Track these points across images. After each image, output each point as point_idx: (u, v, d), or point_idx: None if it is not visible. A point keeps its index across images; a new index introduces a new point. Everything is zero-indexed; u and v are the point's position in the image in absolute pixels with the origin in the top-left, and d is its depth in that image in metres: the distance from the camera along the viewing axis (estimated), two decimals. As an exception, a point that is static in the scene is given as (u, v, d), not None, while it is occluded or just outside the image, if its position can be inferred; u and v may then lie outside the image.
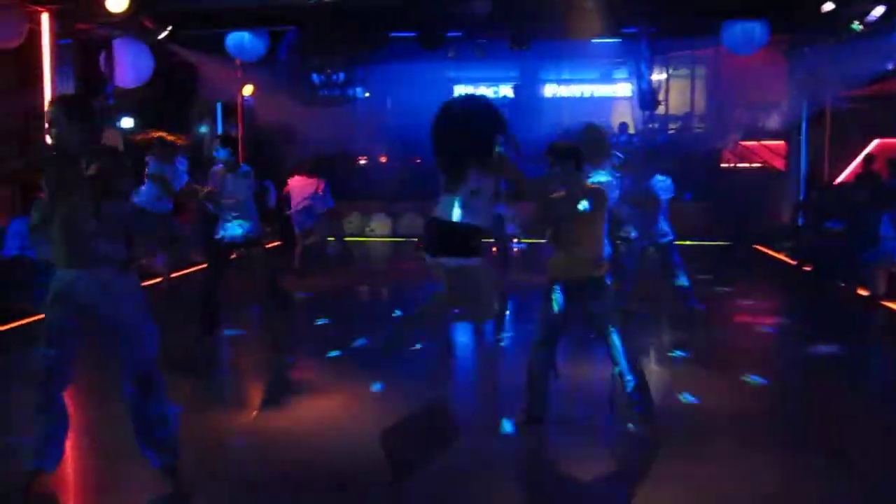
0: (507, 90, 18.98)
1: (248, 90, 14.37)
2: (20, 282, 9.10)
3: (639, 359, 5.37)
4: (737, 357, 7.31)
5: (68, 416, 4.34)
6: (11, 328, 8.41)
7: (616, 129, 16.50)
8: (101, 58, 11.20)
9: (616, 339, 5.21)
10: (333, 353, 7.26)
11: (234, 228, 7.55)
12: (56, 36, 10.48)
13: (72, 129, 4.17)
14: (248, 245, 7.59)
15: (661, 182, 8.38)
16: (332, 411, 5.85)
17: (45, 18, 10.29)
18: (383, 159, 16.87)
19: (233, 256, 7.80)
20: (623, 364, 5.23)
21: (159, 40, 11.53)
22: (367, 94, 13.13)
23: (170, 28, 11.40)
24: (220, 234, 7.62)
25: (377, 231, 16.33)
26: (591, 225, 5.16)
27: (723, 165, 16.48)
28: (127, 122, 14.18)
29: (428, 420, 5.75)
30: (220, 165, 7.68)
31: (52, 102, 4.37)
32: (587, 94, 19.55)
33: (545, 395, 5.36)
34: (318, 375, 6.74)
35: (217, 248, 7.72)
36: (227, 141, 7.79)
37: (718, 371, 6.80)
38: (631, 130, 16.92)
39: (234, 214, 7.56)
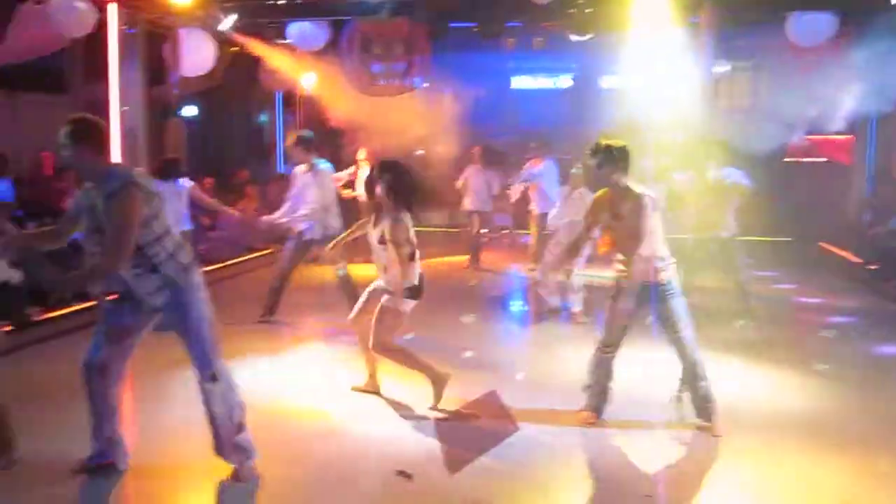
0: (565, 81, 18.81)
1: (308, 80, 14.47)
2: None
3: (703, 358, 5.28)
4: (801, 356, 7.17)
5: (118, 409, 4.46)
6: (78, 310, 8.62)
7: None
8: (166, 47, 11.38)
9: (685, 339, 5.13)
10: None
11: (317, 229, 7.86)
12: (123, 26, 10.70)
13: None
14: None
15: (731, 174, 8.25)
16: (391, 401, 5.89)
17: (112, 8, 10.50)
18: (441, 149, 16.86)
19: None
20: (691, 363, 5.16)
21: (221, 29, 11.68)
22: (425, 84, 13.10)
23: (233, 17, 11.53)
24: (307, 232, 7.92)
25: (434, 221, 16.35)
26: (641, 228, 5.05)
27: (786, 160, 16.12)
28: (190, 111, 14.42)
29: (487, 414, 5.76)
30: (302, 165, 7.94)
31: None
32: (647, 85, 19.24)
33: (608, 395, 5.34)
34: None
35: (300, 244, 8.03)
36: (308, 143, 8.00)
37: (783, 369, 6.68)
38: (689, 123, 16.62)
39: (319, 214, 7.88)
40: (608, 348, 5.32)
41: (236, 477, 4.44)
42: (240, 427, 4.43)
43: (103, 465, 4.49)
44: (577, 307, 8.55)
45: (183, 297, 4.26)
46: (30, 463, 4.65)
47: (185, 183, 8.73)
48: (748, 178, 8.30)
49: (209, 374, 4.30)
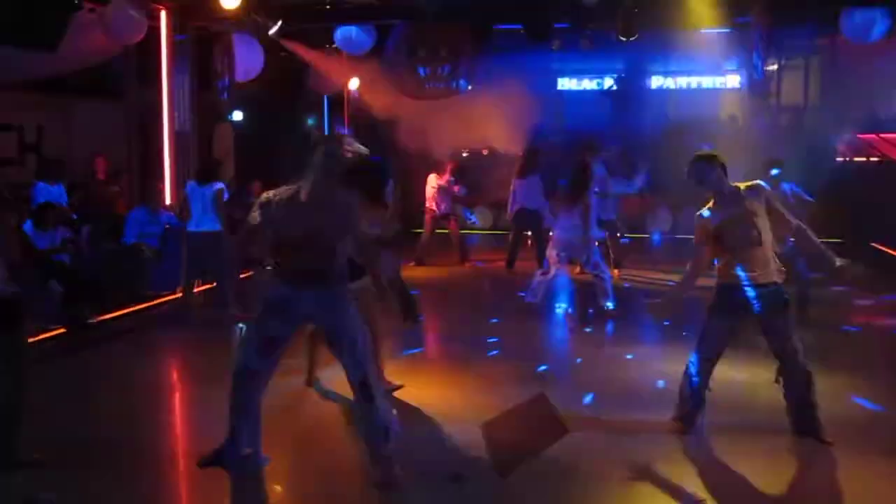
0: (610, 82, 18.68)
1: (354, 83, 14.57)
2: (138, 268, 9.50)
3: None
4: (861, 359, 7.03)
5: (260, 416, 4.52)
6: (131, 311, 8.79)
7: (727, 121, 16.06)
8: (216, 53, 11.54)
9: (797, 346, 5.03)
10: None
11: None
12: (173, 32, 10.89)
13: None
14: None
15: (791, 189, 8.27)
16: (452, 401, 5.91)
17: (163, 15, 10.69)
18: (485, 151, 16.85)
19: None
20: (803, 371, 5.05)
21: (269, 35, 11.82)
22: (470, 87, 13.13)
23: (280, 23, 11.66)
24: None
25: (479, 223, 16.34)
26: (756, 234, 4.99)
27: (838, 159, 15.82)
28: (237, 116, 14.57)
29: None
30: None
31: None
32: (694, 86, 19.03)
33: (702, 404, 5.25)
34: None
35: None
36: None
37: (845, 373, 6.53)
38: (740, 122, 16.42)
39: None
40: (709, 362, 5.19)
41: (383, 485, 4.43)
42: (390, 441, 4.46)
43: (237, 463, 4.51)
44: (610, 304, 8.72)
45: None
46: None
47: (216, 186, 8.82)
48: (806, 193, 8.23)
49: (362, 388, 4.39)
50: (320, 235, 4.30)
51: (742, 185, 5.13)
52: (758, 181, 5.21)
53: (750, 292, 4.98)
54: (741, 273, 4.99)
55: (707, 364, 5.19)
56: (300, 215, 4.30)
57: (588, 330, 8.52)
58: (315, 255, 4.33)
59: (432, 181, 12.51)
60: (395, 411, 4.58)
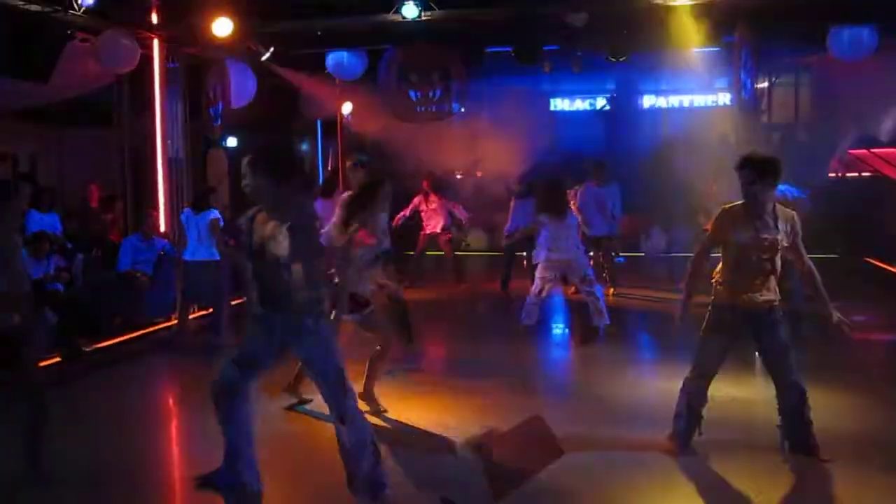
0: (603, 102, 18.79)
1: (347, 108, 14.64)
2: (132, 296, 9.49)
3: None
4: (856, 376, 7.03)
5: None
6: (126, 339, 8.76)
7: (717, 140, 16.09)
8: (209, 80, 11.60)
9: (793, 366, 5.01)
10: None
11: None
12: (165, 59, 10.94)
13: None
14: None
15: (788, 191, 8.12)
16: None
17: (155, 44, 10.75)
18: (479, 174, 16.90)
19: None
20: (801, 391, 5.02)
21: (262, 61, 11.88)
22: (462, 110, 13.20)
23: (272, 49, 11.73)
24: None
25: (473, 245, 16.36)
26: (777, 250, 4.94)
27: (830, 175, 15.88)
28: (231, 142, 14.64)
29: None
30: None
31: None
32: (686, 104, 19.15)
33: (698, 425, 5.21)
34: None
35: None
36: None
37: (838, 389, 6.52)
38: (731, 140, 16.48)
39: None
40: (703, 379, 5.15)
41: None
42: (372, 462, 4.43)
43: (232, 486, 4.47)
44: (606, 321, 8.68)
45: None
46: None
47: (211, 215, 8.80)
48: (804, 194, 8.05)
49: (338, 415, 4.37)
50: (271, 257, 4.26)
51: (781, 208, 5.00)
52: (793, 212, 5.07)
53: (745, 312, 4.96)
54: (739, 293, 4.95)
55: (701, 382, 5.15)
56: (256, 237, 4.32)
57: (582, 349, 8.52)
58: (271, 277, 4.30)
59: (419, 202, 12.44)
60: (372, 431, 4.52)
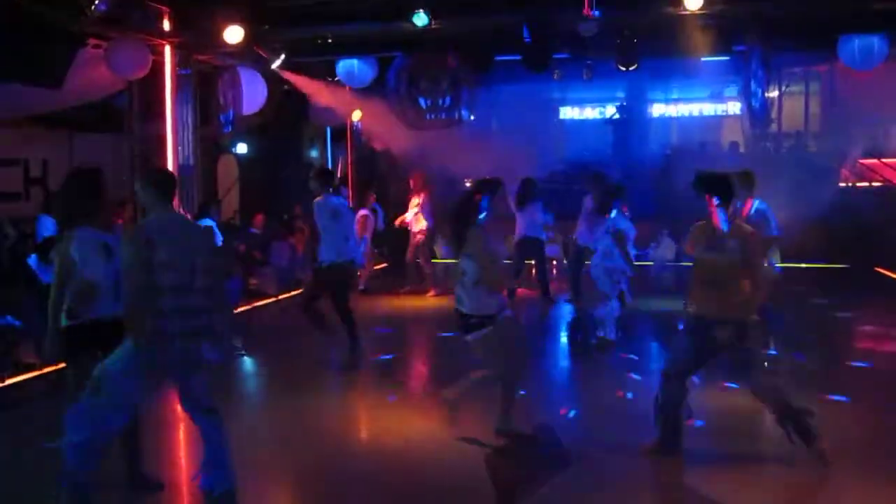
0: (612, 110, 18.79)
1: (356, 115, 14.69)
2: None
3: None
4: (869, 387, 7.00)
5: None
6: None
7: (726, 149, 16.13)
8: (220, 86, 11.65)
9: (760, 377, 5.06)
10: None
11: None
12: (177, 66, 11.01)
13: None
14: None
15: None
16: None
17: (167, 50, 10.81)
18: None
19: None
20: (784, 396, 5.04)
21: (272, 68, 11.94)
22: (472, 117, 13.20)
23: (283, 56, 11.78)
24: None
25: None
26: (737, 266, 4.98)
27: (840, 184, 15.82)
28: (241, 148, 14.70)
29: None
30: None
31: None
32: (696, 113, 19.16)
33: (680, 430, 5.19)
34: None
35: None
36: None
37: (843, 399, 6.51)
38: (741, 149, 16.48)
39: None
40: (675, 379, 5.14)
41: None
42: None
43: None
44: (611, 334, 8.49)
45: None
46: None
47: (204, 223, 8.79)
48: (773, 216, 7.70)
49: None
50: None
51: (739, 224, 5.08)
52: (751, 229, 5.17)
53: (713, 324, 4.98)
54: (704, 304, 5.02)
55: (675, 382, 5.12)
56: None
57: (589, 358, 8.46)
58: None
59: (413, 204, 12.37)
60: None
